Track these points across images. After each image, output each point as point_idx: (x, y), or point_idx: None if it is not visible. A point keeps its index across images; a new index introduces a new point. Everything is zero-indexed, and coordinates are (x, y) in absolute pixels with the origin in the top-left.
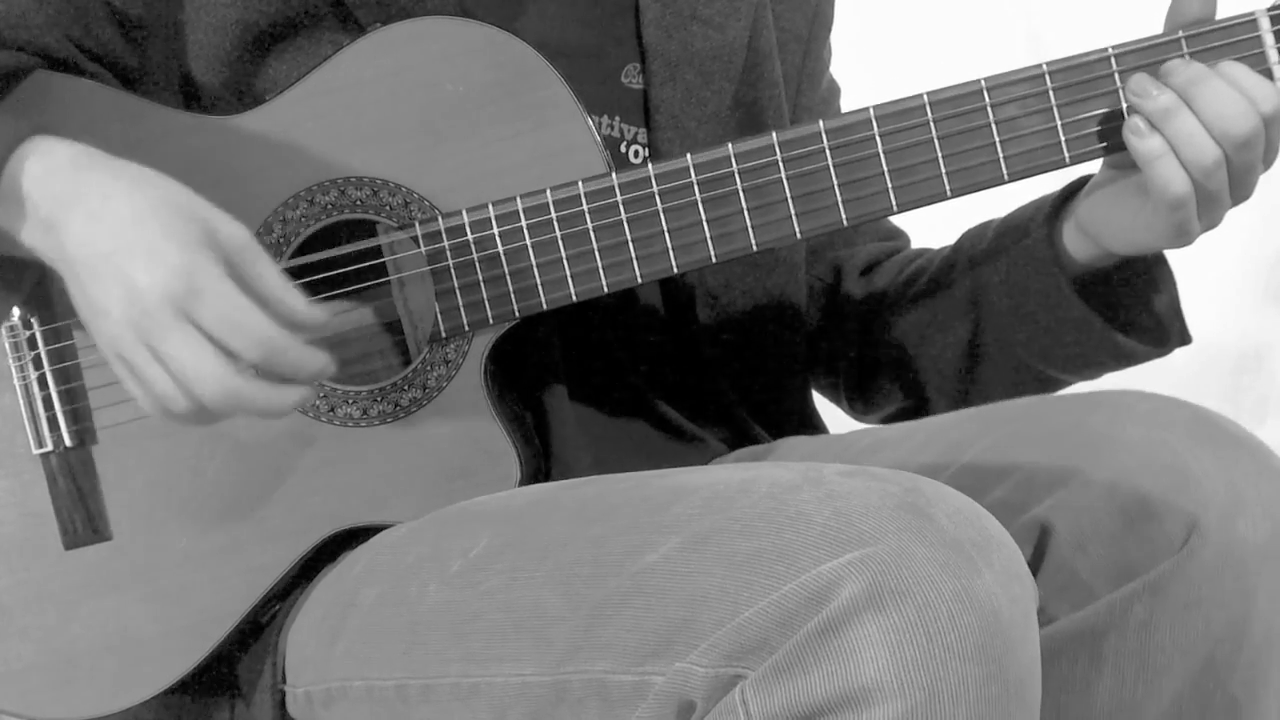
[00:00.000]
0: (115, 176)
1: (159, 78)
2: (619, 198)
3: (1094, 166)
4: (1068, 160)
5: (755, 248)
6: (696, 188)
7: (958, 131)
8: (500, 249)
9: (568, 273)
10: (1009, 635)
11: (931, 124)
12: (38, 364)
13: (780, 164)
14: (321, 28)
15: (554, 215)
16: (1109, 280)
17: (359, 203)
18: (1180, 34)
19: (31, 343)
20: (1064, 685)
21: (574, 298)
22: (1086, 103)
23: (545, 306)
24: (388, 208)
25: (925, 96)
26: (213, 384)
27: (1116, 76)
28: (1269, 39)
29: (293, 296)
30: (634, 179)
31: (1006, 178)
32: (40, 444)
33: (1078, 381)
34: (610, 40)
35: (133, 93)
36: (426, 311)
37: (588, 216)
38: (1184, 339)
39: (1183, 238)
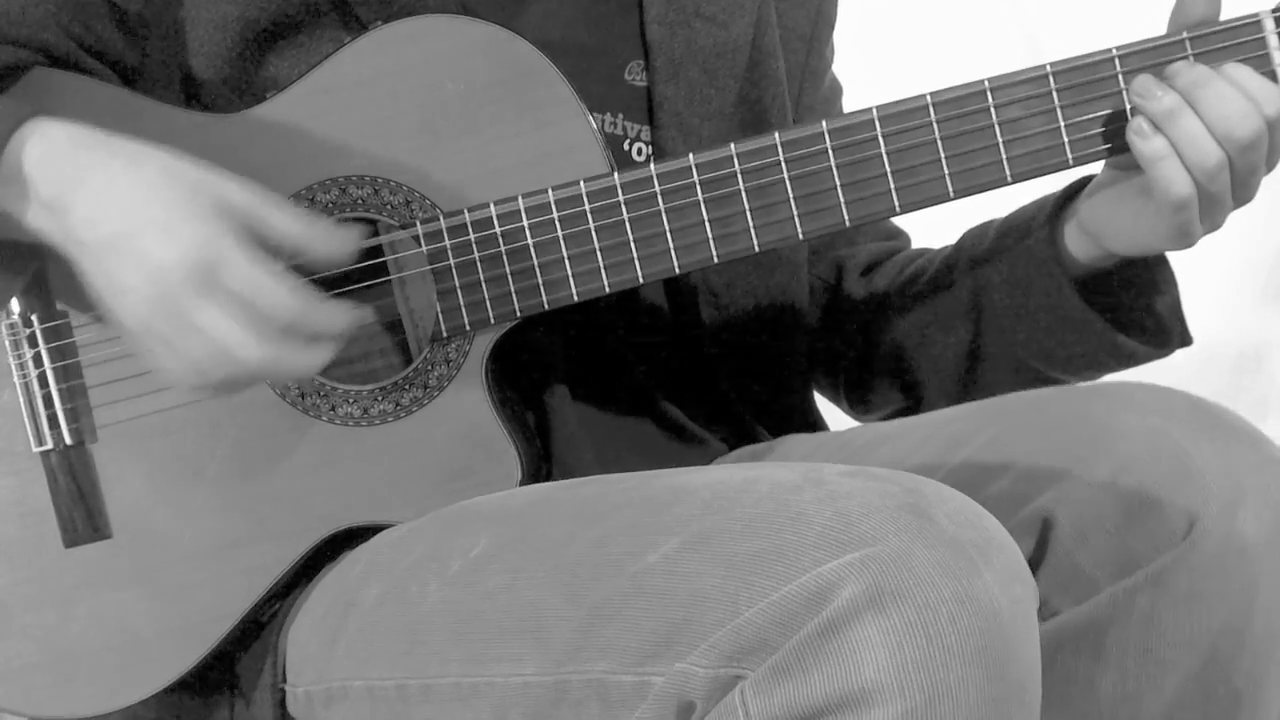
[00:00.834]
0: (114, 155)
1: (159, 75)
2: (621, 197)
3: (1097, 168)
4: (1071, 161)
5: (757, 248)
6: (699, 187)
7: (961, 132)
8: (502, 248)
9: (569, 272)
10: (1009, 636)
11: (934, 124)
12: (38, 361)
13: (783, 164)
14: (323, 25)
15: (556, 215)
16: (1110, 281)
17: (360, 201)
18: (1184, 35)
19: (31, 340)
20: (1067, 679)
21: (575, 297)
22: (1090, 104)
23: (547, 306)
24: (389, 206)
25: (928, 97)
26: (253, 348)
27: (1120, 78)
28: (1273, 40)
29: (316, 235)
30: (636, 178)
31: (1009, 179)
32: (40, 442)
33: (1079, 381)
34: (613, 38)
35: (133, 90)
36: (428, 311)
37: (589, 216)
38: (1185, 340)
39: (1185, 239)
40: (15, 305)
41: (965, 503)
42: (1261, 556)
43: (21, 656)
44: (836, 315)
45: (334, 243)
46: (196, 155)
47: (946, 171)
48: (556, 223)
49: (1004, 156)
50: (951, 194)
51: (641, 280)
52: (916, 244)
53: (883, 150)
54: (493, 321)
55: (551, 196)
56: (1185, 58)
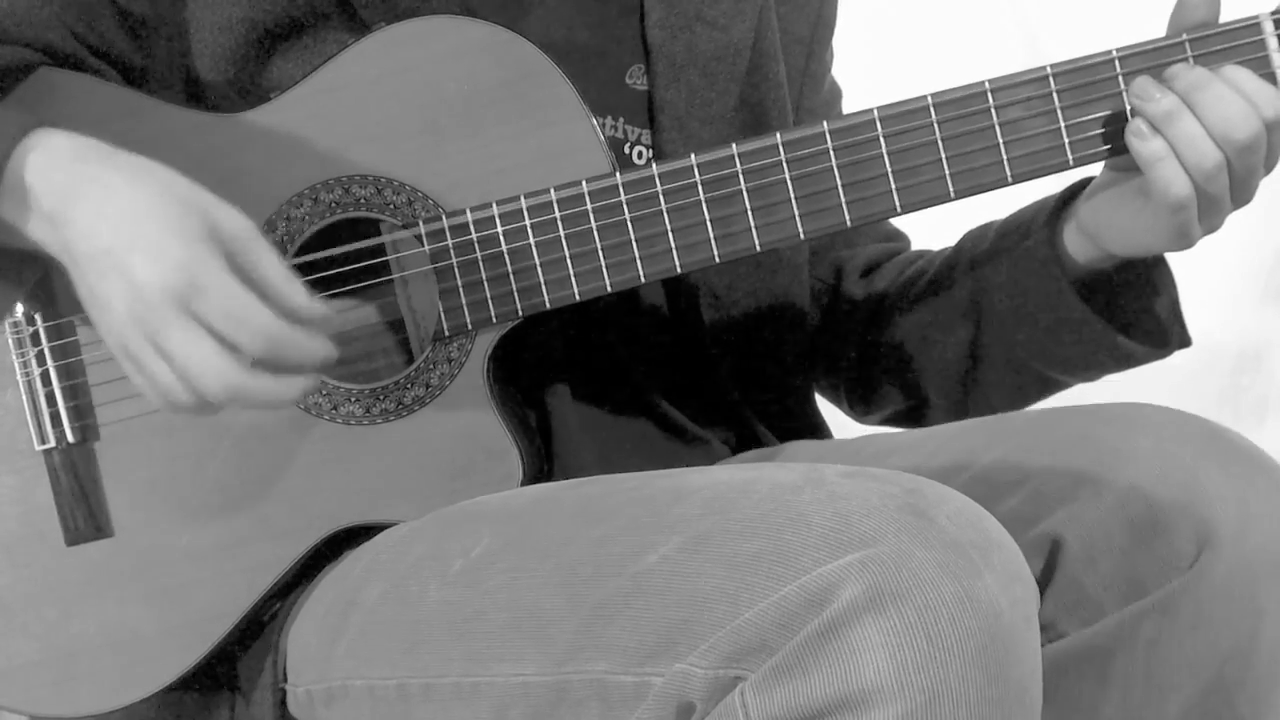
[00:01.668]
0: (116, 169)
1: (164, 75)
2: (623, 197)
3: (1097, 169)
4: (1071, 162)
5: (759, 248)
6: (700, 187)
7: (961, 133)
8: (504, 248)
9: (571, 272)
10: (1009, 637)
11: (935, 125)
12: (41, 360)
13: (784, 164)
14: (327, 27)
15: (558, 214)
16: (1109, 282)
17: (363, 201)
18: (1184, 37)
19: (35, 339)
20: (1071, 704)
21: (577, 297)
22: (1090, 105)
23: (549, 305)
24: (391, 206)
25: (929, 98)
26: (214, 378)
27: (1120, 79)
28: (1272, 43)
29: (294, 289)
30: (638, 178)
31: (1010, 179)
32: (43, 440)
33: (1077, 383)
34: (614, 41)
35: (137, 90)
36: (430, 310)
37: (591, 216)
38: (1184, 341)
39: (1183, 240)
40: (18, 304)
41: (965, 503)
42: (1269, 584)
43: (22, 654)
44: (836, 316)
45: (312, 305)
46: (199, 155)
47: (947, 172)
48: (559, 222)
49: (1004, 157)
50: (952, 194)
51: (643, 280)
52: (917, 245)
53: (884, 150)
54: (495, 321)
55: (554, 196)
56: (1185, 59)
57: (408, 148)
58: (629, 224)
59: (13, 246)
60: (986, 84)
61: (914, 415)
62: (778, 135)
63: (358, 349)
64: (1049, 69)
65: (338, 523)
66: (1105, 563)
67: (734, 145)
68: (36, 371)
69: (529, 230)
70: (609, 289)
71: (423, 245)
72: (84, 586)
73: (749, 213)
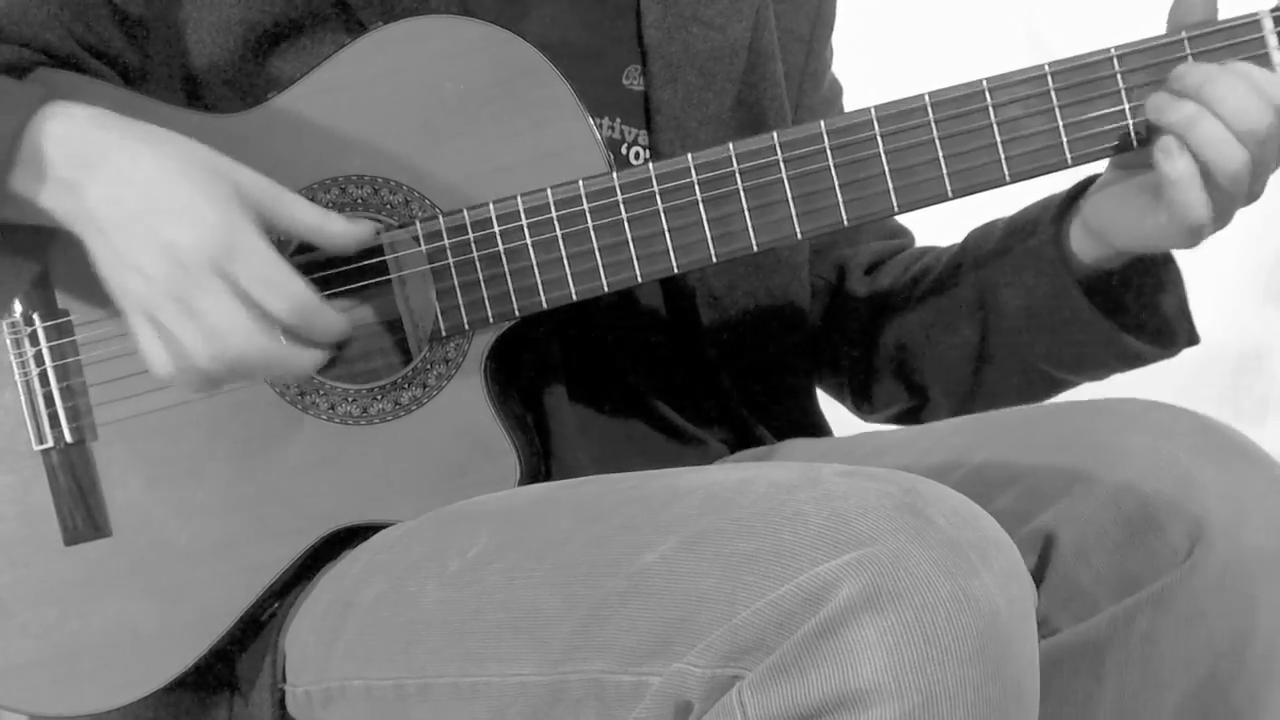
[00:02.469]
0: (137, 136)
1: (160, 75)
2: (619, 197)
3: (1096, 167)
4: (1070, 161)
5: (756, 248)
6: (697, 187)
7: (959, 132)
8: (501, 248)
9: (568, 272)
10: (1007, 636)
11: (933, 124)
12: (39, 360)
13: (781, 164)
14: (325, 28)
15: (554, 214)
16: (1116, 281)
17: (360, 201)
18: (1184, 35)
19: (32, 338)
20: (1065, 698)
21: (574, 297)
22: (1089, 104)
23: (545, 306)
24: (388, 206)
25: (927, 97)
26: (245, 339)
27: (1119, 77)
28: (1272, 40)
29: (331, 219)
30: (635, 179)
31: (1008, 178)
32: (41, 440)
33: (1085, 382)
34: (611, 42)
35: (135, 90)
36: (427, 310)
37: (588, 216)
38: (1192, 340)
39: (1193, 239)
40: (16, 304)
41: (963, 503)
42: (1262, 577)
43: (21, 654)
44: (840, 314)
45: (347, 233)
46: None
47: (945, 171)
48: (555, 222)
49: (1002, 156)
50: (950, 194)
51: (640, 280)
52: (922, 242)
53: (881, 150)
54: (491, 321)
55: (550, 196)
56: (1184, 58)
57: (404, 148)
58: (626, 224)
59: (22, 221)
60: (984, 83)
61: (918, 413)
62: (774, 135)
63: (355, 349)
64: (1047, 68)
65: (335, 523)
66: (1099, 558)
67: (731, 145)
68: (35, 371)
69: (525, 230)
70: (606, 289)
71: (420, 245)
72: (82, 586)
73: (746, 213)
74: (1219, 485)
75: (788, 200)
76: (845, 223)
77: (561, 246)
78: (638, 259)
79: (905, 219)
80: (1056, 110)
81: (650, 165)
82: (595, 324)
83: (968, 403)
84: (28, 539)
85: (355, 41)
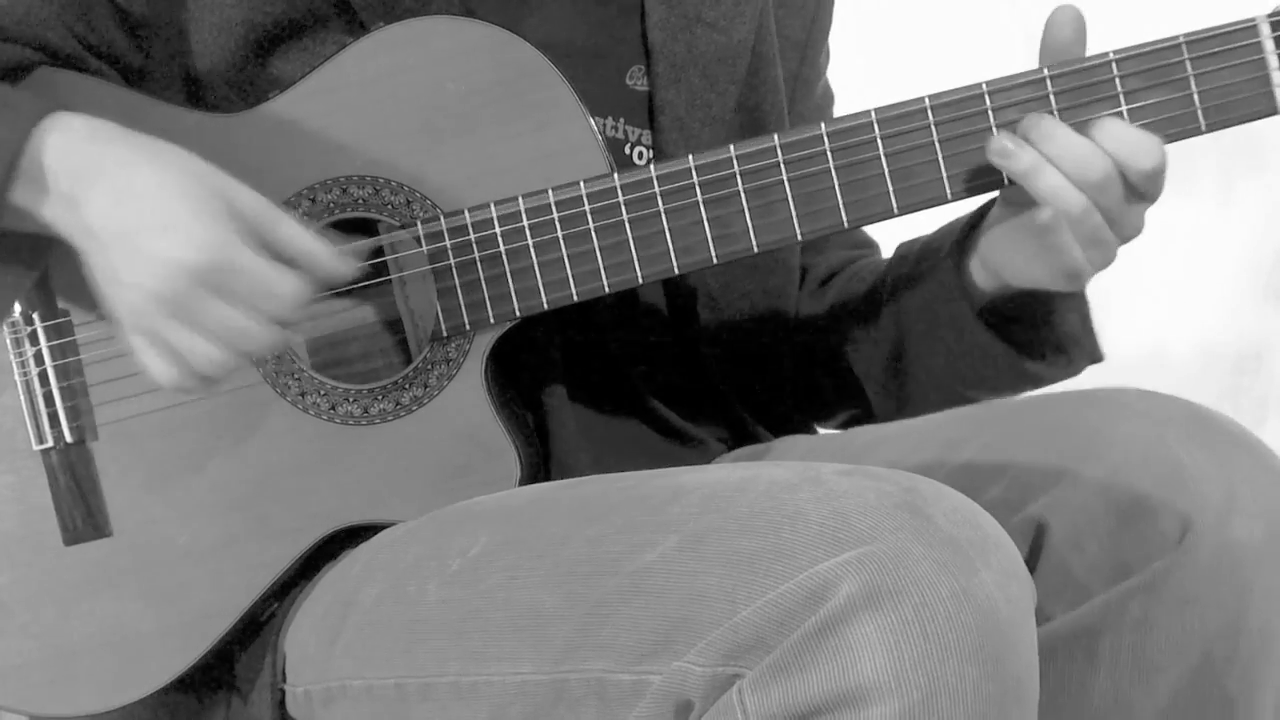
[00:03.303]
0: (134, 150)
1: (162, 75)
2: (620, 198)
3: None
4: None
5: (756, 249)
6: (698, 188)
7: (959, 134)
8: (502, 248)
9: (569, 273)
10: (1006, 634)
11: (933, 127)
12: (38, 360)
13: (782, 165)
14: (327, 29)
15: (556, 215)
16: (1013, 308)
17: (361, 201)
18: (1180, 39)
19: (32, 338)
20: (1060, 685)
21: (575, 297)
22: (1087, 107)
23: (546, 306)
24: (389, 206)
25: (926, 99)
26: (259, 336)
27: (1118, 81)
28: (1269, 45)
29: (320, 249)
30: (636, 179)
31: (1007, 181)
32: (40, 440)
33: (998, 398)
34: (615, 42)
35: (137, 90)
36: (428, 310)
37: (589, 216)
38: (1094, 358)
39: (1075, 281)
40: (16, 304)
41: (962, 501)
42: (1254, 562)
43: (21, 654)
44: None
45: (338, 262)
46: (199, 155)
47: (945, 174)
48: (556, 223)
49: None
50: (949, 196)
51: (641, 281)
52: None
53: (881, 152)
54: (492, 321)
55: (551, 197)
56: (1181, 62)
57: (406, 148)
58: (627, 225)
59: (25, 230)
60: (984, 85)
61: (862, 423)
62: (775, 137)
63: (356, 349)
64: (1046, 71)
65: (336, 522)
66: (1091, 545)
67: (731, 147)
68: (34, 371)
69: (527, 231)
70: (606, 290)
71: (420, 246)
72: (82, 586)
73: (746, 214)
74: (1210, 470)
75: (788, 201)
76: (845, 224)
77: (562, 247)
78: (639, 260)
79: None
80: (1055, 113)
81: (651, 166)
82: (596, 325)
83: (900, 416)
84: (27, 539)
85: (357, 42)
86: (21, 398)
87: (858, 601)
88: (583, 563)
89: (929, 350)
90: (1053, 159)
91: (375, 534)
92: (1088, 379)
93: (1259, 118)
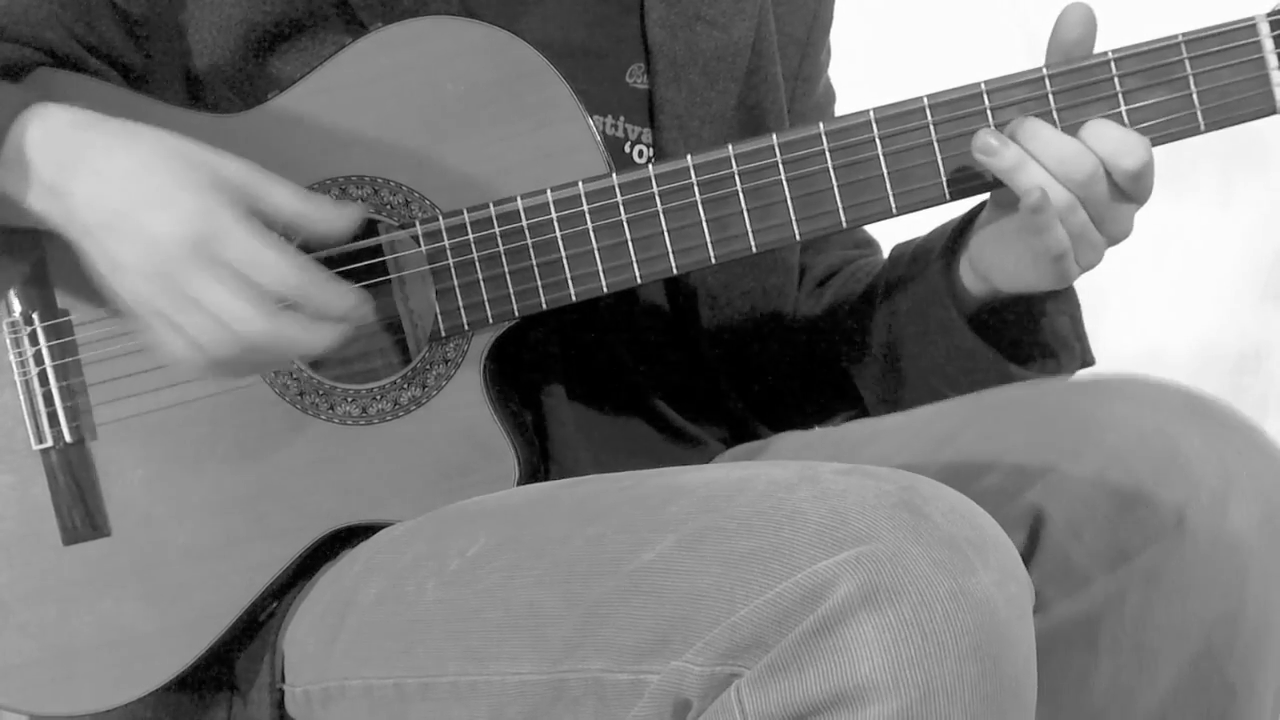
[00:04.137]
0: (111, 133)
1: (162, 75)
2: (619, 198)
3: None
4: None
5: (755, 249)
6: (696, 188)
7: (958, 134)
8: (500, 248)
9: (568, 273)
10: (1004, 634)
11: (931, 126)
12: (38, 359)
13: (780, 165)
14: (326, 29)
15: (554, 215)
16: (1003, 313)
17: (360, 201)
18: (1180, 39)
19: (32, 338)
20: (1060, 673)
21: (574, 297)
22: (1085, 106)
23: (545, 306)
24: (389, 206)
25: (925, 99)
26: (253, 320)
27: (1116, 80)
28: (1268, 44)
29: (312, 209)
30: (634, 179)
31: (997, 181)
32: (40, 439)
33: None
34: (614, 40)
35: (136, 90)
36: (426, 310)
37: (588, 216)
38: (1084, 361)
39: (1062, 280)
40: (16, 303)
41: (960, 500)
42: (1252, 547)
43: (20, 654)
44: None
45: (333, 217)
46: None
47: (943, 174)
48: (555, 223)
49: None
50: (948, 196)
51: (639, 280)
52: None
53: (880, 152)
54: (491, 321)
55: (550, 197)
56: (1181, 61)
57: (405, 148)
58: (625, 225)
59: (14, 222)
60: (982, 85)
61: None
62: (774, 136)
63: (355, 349)
64: (1044, 70)
65: (335, 522)
66: (1089, 532)
67: (730, 146)
68: (34, 371)
69: (525, 231)
70: (605, 289)
71: (419, 246)
72: (81, 586)
73: (745, 214)
74: (1206, 455)
75: (786, 202)
76: (844, 224)
77: (561, 247)
78: (637, 260)
79: (898, 219)
80: (1054, 113)
81: (650, 166)
82: (594, 324)
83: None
84: (27, 538)
85: (356, 42)
86: (21, 397)
87: (856, 601)
88: (581, 562)
89: (921, 353)
90: (1037, 156)
91: (374, 534)
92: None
93: (1258, 117)
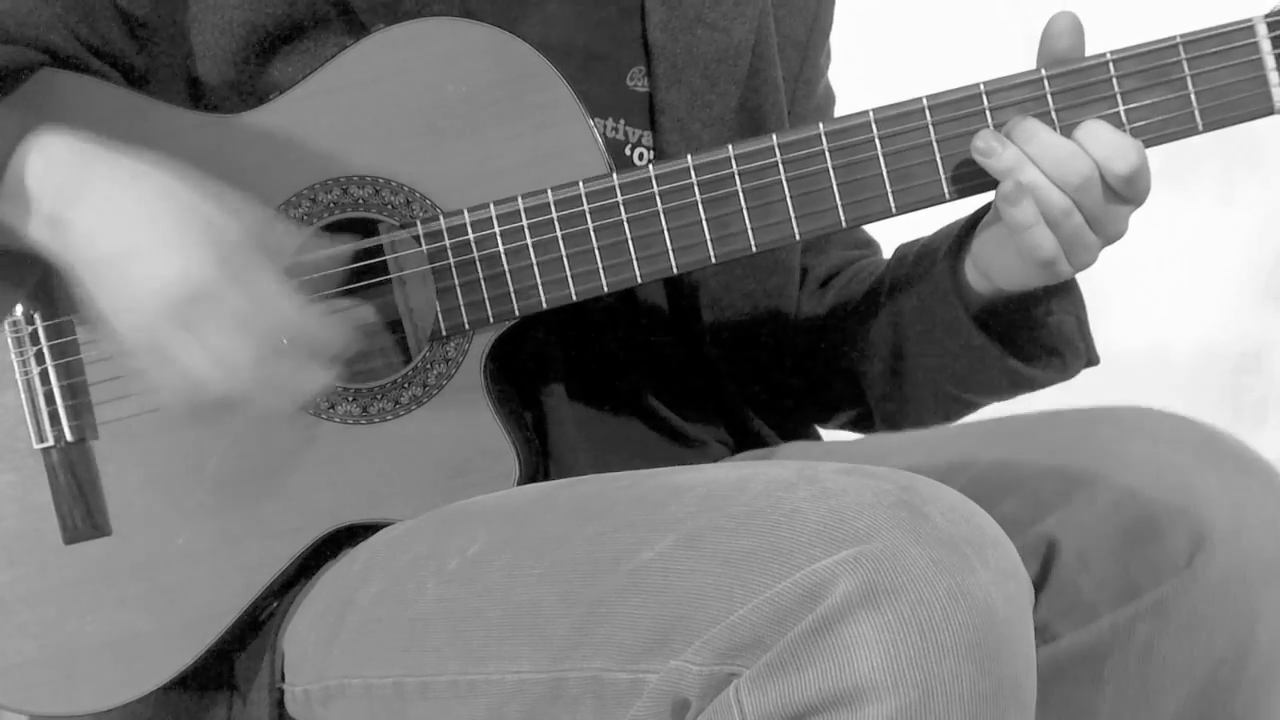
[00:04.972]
0: (115, 169)
1: (164, 77)
2: (619, 198)
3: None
4: None
5: (755, 249)
6: (696, 188)
7: (957, 134)
8: (501, 248)
9: (568, 272)
10: (1003, 633)
11: (930, 127)
12: (40, 359)
13: (780, 165)
14: (327, 30)
15: (555, 215)
16: (1009, 310)
17: (361, 201)
18: (1178, 39)
19: (34, 338)
20: (1065, 706)
21: (574, 297)
22: (1084, 108)
23: (545, 306)
24: (389, 206)
25: (924, 100)
26: (247, 368)
27: (1115, 81)
28: (1266, 45)
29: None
30: (634, 179)
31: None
32: (41, 439)
33: (991, 403)
34: (615, 43)
35: (139, 91)
36: (427, 310)
37: (588, 216)
38: (1090, 361)
39: (1055, 278)
40: (18, 304)
41: (960, 500)
42: (1263, 587)
43: (20, 653)
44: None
45: (327, 250)
46: (199, 155)
47: (943, 174)
48: (555, 223)
49: None
50: (947, 196)
51: (639, 280)
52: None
53: (879, 152)
54: (492, 321)
55: (550, 197)
56: (1179, 62)
57: (406, 149)
58: (625, 225)
59: (13, 248)
60: (981, 86)
61: (863, 424)
62: (774, 137)
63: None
64: (1043, 71)
65: (335, 522)
66: (1099, 565)
67: (730, 147)
68: (35, 370)
69: (526, 231)
70: (605, 289)
71: (420, 246)
72: (82, 585)
73: (745, 214)
74: (1220, 493)
75: (786, 202)
76: (844, 224)
77: (562, 247)
78: (637, 259)
79: (901, 221)
80: (1053, 114)
81: (650, 166)
82: (595, 324)
83: (896, 419)
84: (27, 537)
85: (357, 43)
86: (22, 396)
87: (854, 600)
88: (581, 562)
89: (926, 352)
90: (1034, 158)
91: (374, 533)
92: (1089, 378)
93: (1256, 117)
